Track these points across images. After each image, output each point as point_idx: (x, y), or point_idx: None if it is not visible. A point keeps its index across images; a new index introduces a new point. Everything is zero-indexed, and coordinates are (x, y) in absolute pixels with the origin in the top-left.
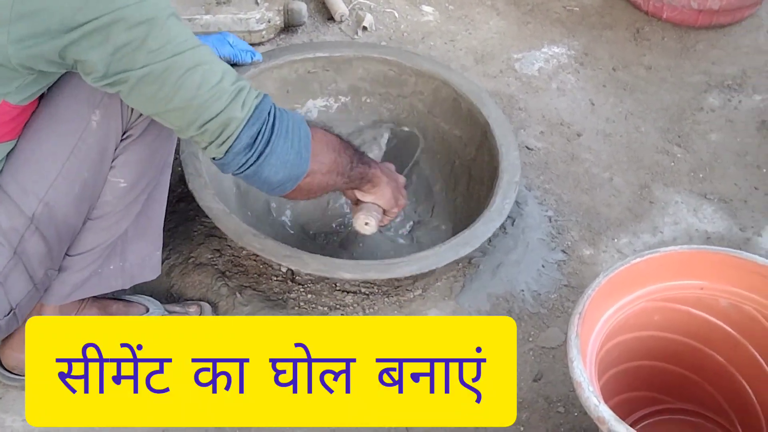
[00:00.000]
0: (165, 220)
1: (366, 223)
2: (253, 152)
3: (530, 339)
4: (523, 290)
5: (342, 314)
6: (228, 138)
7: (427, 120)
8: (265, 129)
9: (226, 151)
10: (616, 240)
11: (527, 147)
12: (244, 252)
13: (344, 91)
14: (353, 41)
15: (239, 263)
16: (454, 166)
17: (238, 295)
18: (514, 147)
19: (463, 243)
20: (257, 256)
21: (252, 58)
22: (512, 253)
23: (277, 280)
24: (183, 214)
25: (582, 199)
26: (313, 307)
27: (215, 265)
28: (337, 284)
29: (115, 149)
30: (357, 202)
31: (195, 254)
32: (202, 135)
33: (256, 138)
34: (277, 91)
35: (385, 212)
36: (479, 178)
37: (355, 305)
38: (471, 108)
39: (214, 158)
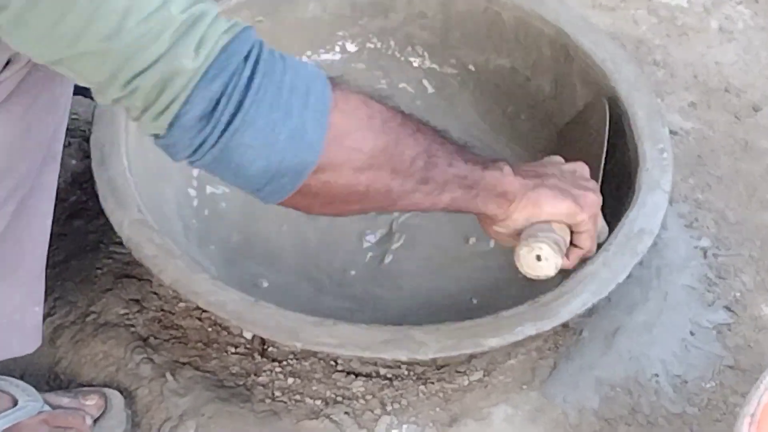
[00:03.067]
0: (48, 250)
1: (538, 256)
2: (215, 126)
3: None
4: (657, 374)
5: (347, 412)
6: (171, 103)
7: (443, 55)
8: (235, 86)
9: (170, 125)
10: None
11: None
12: (181, 305)
13: (290, 50)
14: None
15: (172, 323)
16: (518, 120)
17: (170, 377)
18: (637, 73)
19: (582, 289)
20: (201, 311)
21: None
22: (639, 310)
23: (236, 354)
24: (79, 239)
25: (762, 219)
26: (297, 401)
27: (132, 326)
28: (338, 361)
29: None
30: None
31: (98, 307)
32: (130, 97)
33: (219, 101)
34: None
35: (572, 235)
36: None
37: (368, 397)
38: (520, 17)
39: (155, 136)
